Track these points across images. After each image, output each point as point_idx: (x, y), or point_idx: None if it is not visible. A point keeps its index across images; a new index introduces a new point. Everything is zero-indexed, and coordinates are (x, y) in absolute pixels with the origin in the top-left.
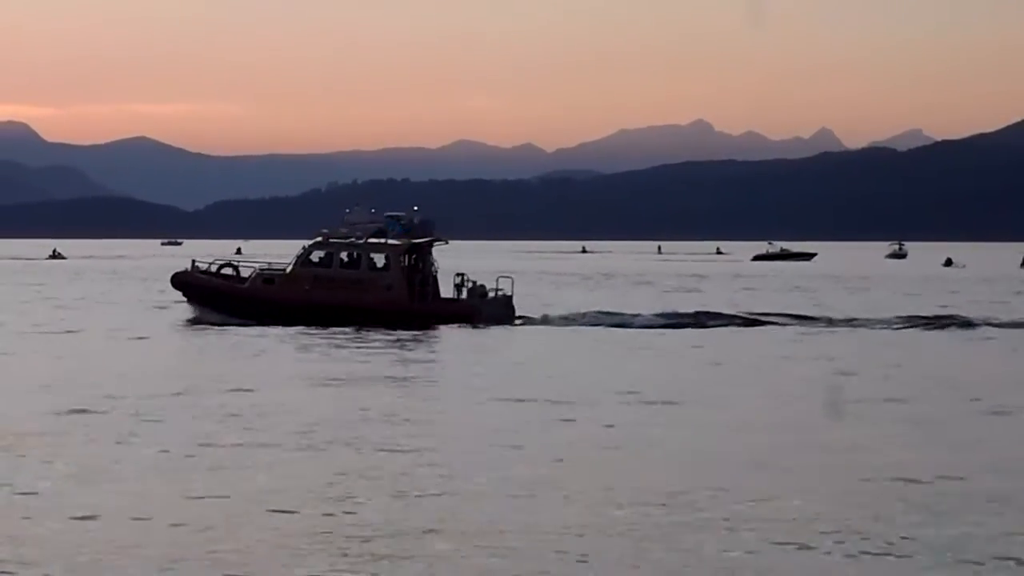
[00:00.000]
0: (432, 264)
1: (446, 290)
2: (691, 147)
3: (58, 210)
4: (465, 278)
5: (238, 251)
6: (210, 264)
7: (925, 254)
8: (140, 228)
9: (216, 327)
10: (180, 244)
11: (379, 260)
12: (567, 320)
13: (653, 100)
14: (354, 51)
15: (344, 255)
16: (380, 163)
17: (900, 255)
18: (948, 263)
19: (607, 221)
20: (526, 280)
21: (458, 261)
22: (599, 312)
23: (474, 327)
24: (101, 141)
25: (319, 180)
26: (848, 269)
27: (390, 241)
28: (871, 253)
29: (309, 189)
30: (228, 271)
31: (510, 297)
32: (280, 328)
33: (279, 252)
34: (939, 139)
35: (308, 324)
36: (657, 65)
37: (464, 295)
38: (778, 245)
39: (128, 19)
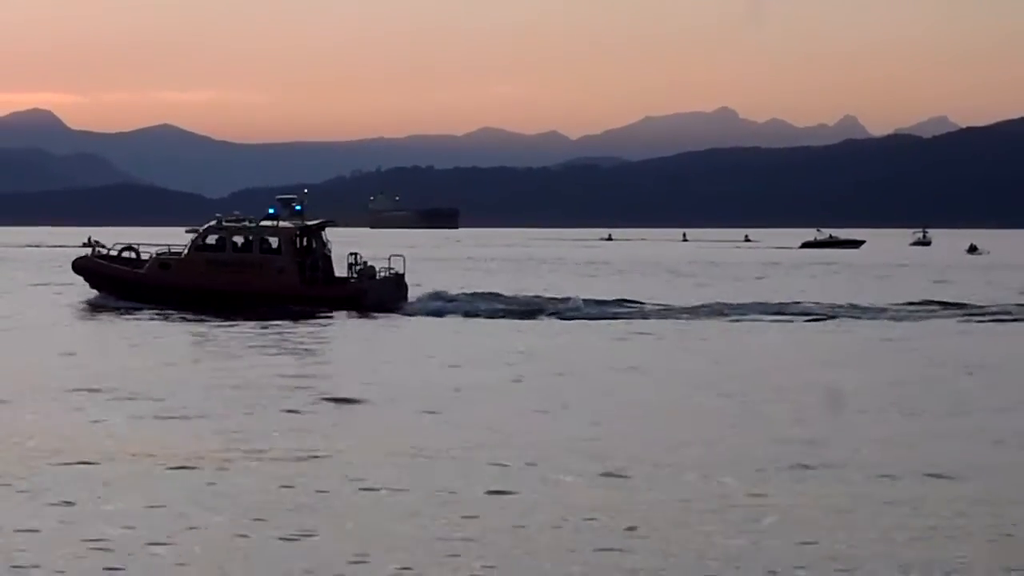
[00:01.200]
0: (325, 245)
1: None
2: (716, 134)
3: (82, 198)
4: (358, 258)
5: None
6: (110, 248)
7: (949, 241)
8: (164, 216)
9: (115, 312)
10: None
11: (273, 243)
12: (458, 302)
13: (678, 87)
14: (379, 38)
15: (238, 239)
16: (404, 150)
17: (924, 242)
18: (972, 250)
19: (631, 208)
20: (536, 269)
21: (481, 249)
22: (487, 294)
23: (362, 309)
24: (126, 129)
25: (344, 167)
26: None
27: (282, 224)
28: (896, 240)
29: (334, 176)
30: (129, 254)
31: (401, 276)
32: (175, 313)
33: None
34: (964, 126)
35: (203, 308)
36: (682, 52)
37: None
38: (827, 232)
39: (153, 6)
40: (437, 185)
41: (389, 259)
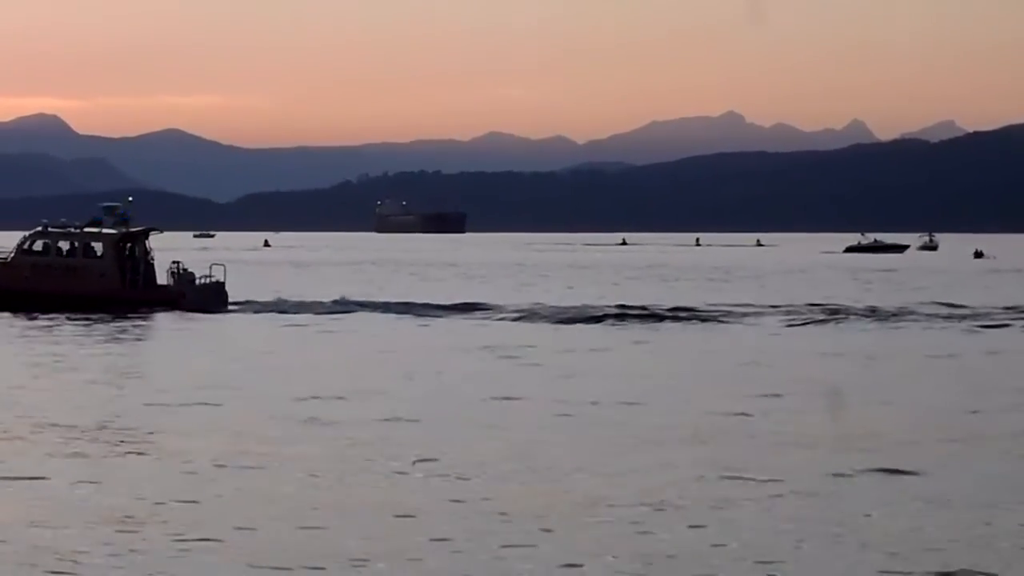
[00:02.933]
0: (148, 252)
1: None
2: (722, 139)
3: (89, 203)
4: (180, 266)
5: (266, 243)
6: None
7: (956, 246)
8: (171, 221)
9: None
10: (213, 236)
11: (97, 248)
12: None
13: (684, 91)
14: (385, 43)
15: (63, 244)
16: (411, 155)
17: (931, 247)
18: (978, 255)
19: (638, 213)
20: (542, 273)
21: (490, 253)
22: (301, 301)
23: (181, 311)
24: (132, 133)
25: (350, 172)
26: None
27: (105, 231)
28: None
29: (341, 181)
30: None
31: (222, 284)
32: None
33: (309, 244)
34: (971, 130)
35: (27, 310)
36: (688, 56)
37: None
38: (871, 236)
39: (160, 11)
40: (444, 190)
41: (210, 268)
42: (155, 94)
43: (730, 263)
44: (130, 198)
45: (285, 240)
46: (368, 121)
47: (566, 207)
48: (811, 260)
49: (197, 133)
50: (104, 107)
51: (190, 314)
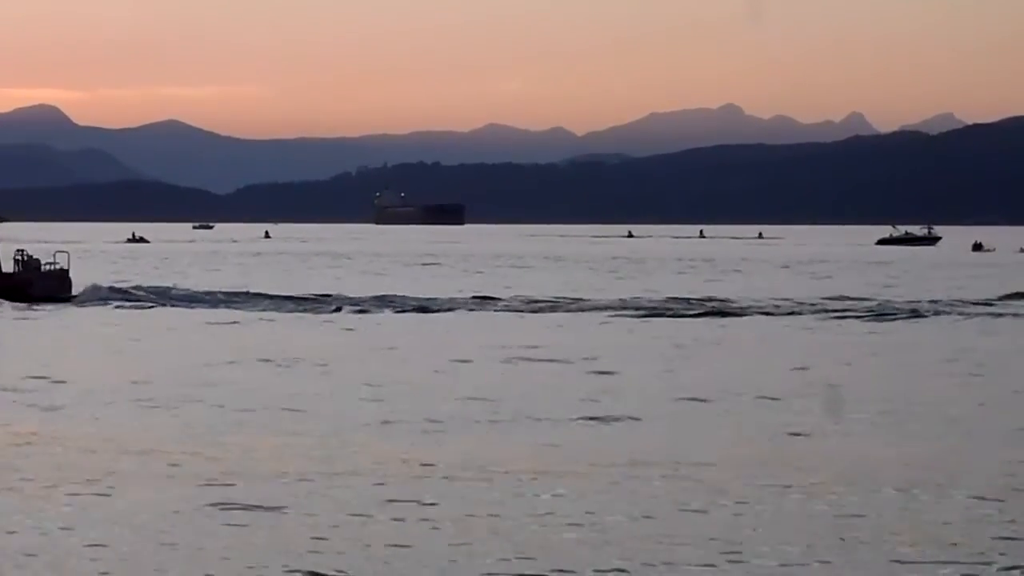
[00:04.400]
0: None
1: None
2: (721, 131)
3: (88, 193)
4: (24, 253)
5: (266, 234)
6: None
7: (955, 238)
8: (171, 212)
9: None
10: (212, 228)
11: None
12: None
13: (683, 84)
14: (384, 34)
15: None
16: (410, 147)
17: (930, 239)
18: (977, 247)
19: (638, 205)
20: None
21: (491, 245)
22: (152, 287)
23: (28, 300)
24: (132, 124)
25: (349, 164)
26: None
27: None
28: None
29: (339, 172)
30: None
31: (66, 271)
32: None
33: (308, 235)
34: (970, 122)
35: None
36: (687, 48)
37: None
38: (902, 229)
39: (159, 2)
40: (443, 181)
41: (54, 255)
42: (154, 85)
43: (739, 255)
44: None
45: (286, 231)
46: (367, 112)
47: (565, 199)
48: (835, 253)
49: (196, 124)
50: (103, 98)
51: (36, 304)
